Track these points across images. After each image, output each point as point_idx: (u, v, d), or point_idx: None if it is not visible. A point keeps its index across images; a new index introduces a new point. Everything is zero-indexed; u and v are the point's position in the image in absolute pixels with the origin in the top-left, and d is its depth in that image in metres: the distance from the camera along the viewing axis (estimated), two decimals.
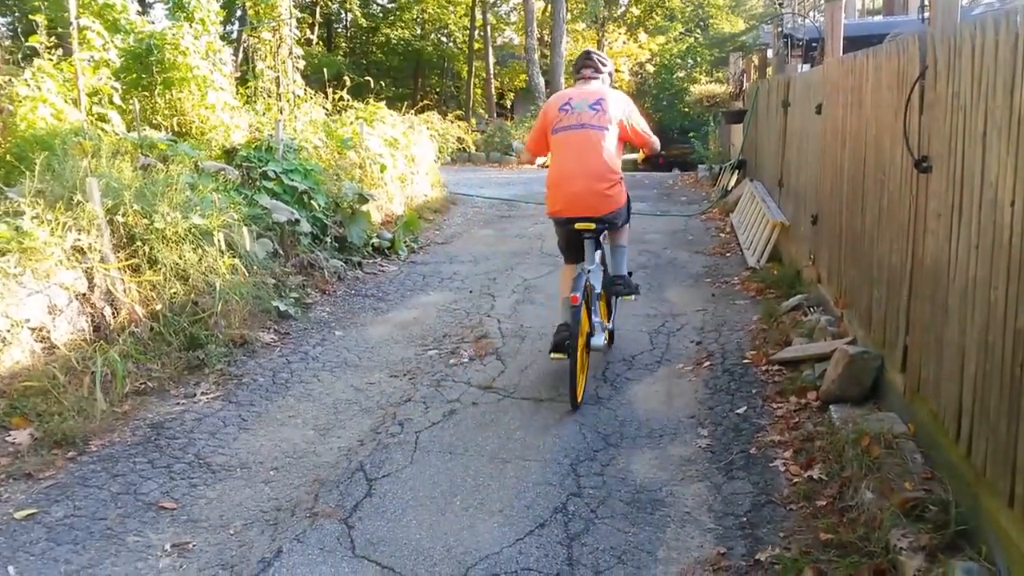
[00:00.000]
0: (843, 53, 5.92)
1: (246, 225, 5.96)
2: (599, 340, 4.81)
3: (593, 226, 4.69)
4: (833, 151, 5.22)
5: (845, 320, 4.85)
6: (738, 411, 4.39)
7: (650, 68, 30.43)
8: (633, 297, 5.41)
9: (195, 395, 4.74)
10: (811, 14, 10.69)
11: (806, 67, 9.14)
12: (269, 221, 6.50)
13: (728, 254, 8.32)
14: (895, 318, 3.76)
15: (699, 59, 31.46)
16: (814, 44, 9.41)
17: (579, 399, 4.50)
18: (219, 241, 5.54)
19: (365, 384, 4.97)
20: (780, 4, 10.60)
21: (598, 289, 4.89)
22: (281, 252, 6.62)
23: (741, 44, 23.81)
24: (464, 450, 4.01)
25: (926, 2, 4.74)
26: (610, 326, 5.02)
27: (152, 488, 3.68)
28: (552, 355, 4.69)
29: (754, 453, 3.89)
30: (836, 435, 3.71)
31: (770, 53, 10.76)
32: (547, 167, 4.97)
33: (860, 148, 4.47)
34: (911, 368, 3.51)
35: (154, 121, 8.41)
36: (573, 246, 4.87)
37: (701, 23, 33.02)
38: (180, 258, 5.32)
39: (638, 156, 5.35)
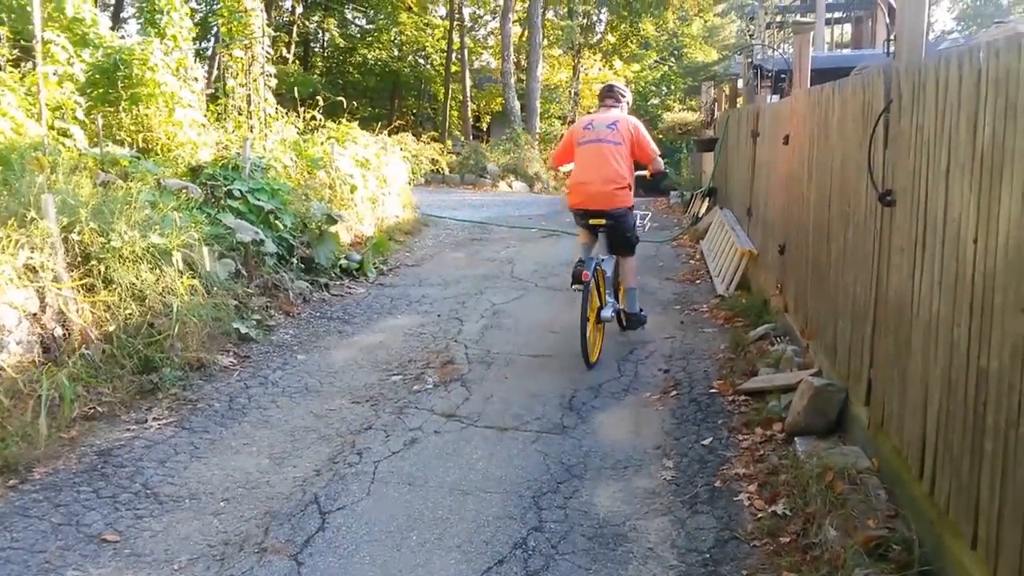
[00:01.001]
0: (811, 85, 5.95)
1: (207, 245, 5.83)
2: (607, 313, 5.76)
3: (603, 221, 5.75)
4: (800, 182, 5.23)
5: (811, 351, 4.83)
6: (704, 442, 4.34)
7: None
8: (642, 327, 6.26)
9: (146, 421, 4.59)
10: (781, 46, 10.83)
11: (775, 98, 9.25)
12: (233, 241, 6.37)
13: (698, 281, 8.31)
14: (859, 351, 3.73)
15: (673, 87, 31.89)
16: (783, 75, 9.53)
17: (593, 359, 5.55)
18: (178, 261, 5.41)
19: (325, 411, 4.85)
20: (750, 36, 10.72)
21: (609, 274, 5.88)
22: (244, 273, 6.48)
23: (713, 74, 24.12)
24: (424, 481, 3.90)
25: (892, 36, 4.78)
26: (621, 306, 6.03)
27: (95, 519, 3.52)
28: (573, 287, 5.52)
29: (719, 486, 3.83)
30: (801, 469, 3.66)
31: (741, 83, 10.86)
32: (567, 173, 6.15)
33: (826, 180, 4.47)
34: (875, 402, 3.47)
35: (118, 137, 8.25)
36: (587, 228, 5.97)
37: (675, 52, 33.47)
38: (137, 278, 5.17)
39: (646, 172, 6.17)
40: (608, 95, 6.19)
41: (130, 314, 5.07)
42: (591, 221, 5.81)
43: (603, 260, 5.85)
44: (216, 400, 4.95)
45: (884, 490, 3.22)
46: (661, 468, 4.07)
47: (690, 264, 9.23)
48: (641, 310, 6.23)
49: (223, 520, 3.54)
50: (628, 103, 6.23)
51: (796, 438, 4.02)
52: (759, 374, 5.08)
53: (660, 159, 6.13)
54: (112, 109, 8.50)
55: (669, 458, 4.18)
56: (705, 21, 33.14)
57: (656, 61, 32.03)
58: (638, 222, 6.52)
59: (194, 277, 5.57)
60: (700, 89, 22.13)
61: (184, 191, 6.41)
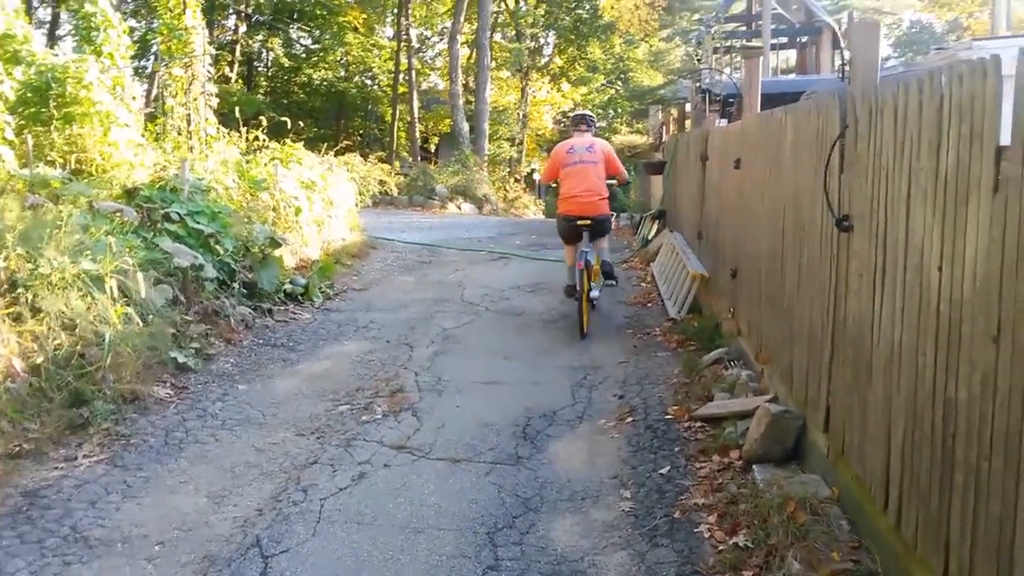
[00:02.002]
0: (760, 109, 5.98)
1: (143, 270, 5.57)
2: (595, 293, 7.22)
3: (590, 222, 7.10)
4: (752, 206, 5.22)
5: (766, 376, 4.79)
6: (661, 471, 4.24)
7: None
8: (614, 282, 7.63)
9: (76, 458, 4.31)
10: (726, 70, 10.96)
11: (723, 122, 9.33)
12: (170, 266, 6.10)
13: (649, 304, 8.28)
14: (816, 377, 3.69)
15: (619, 110, 32.24)
16: (731, 100, 9.63)
17: (585, 331, 6.90)
18: (111, 288, 5.14)
19: (268, 444, 4.63)
20: (698, 60, 10.85)
21: (592, 263, 7.14)
22: (182, 299, 6.21)
23: (659, 98, 24.46)
24: (373, 519, 3.72)
25: (842, 62, 4.82)
26: (596, 294, 7.29)
27: (19, 567, 3.27)
28: (568, 298, 7.30)
29: (678, 517, 3.73)
30: (760, 498, 3.58)
31: (688, 107, 10.95)
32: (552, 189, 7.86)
33: (779, 205, 4.45)
34: (834, 430, 3.42)
35: (50, 158, 7.90)
36: (572, 235, 7.25)
37: (621, 76, 33.89)
38: (67, 306, 4.90)
39: (614, 182, 7.58)
40: (581, 121, 7.70)
41: (59, 344, 4.79)
42: (579, 223, 7.10)
43: (587, 252, 7.09)
44: (151, 435, 4.69)
45: (846, 520, 3.16)
46: (619, 499, 3.97)
47: (641, 287, 9.21)
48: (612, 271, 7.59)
49: (158, 566, 3.32)
50: (597, 127, 7.77)
51: (754, 466, 3.96)
52: (714, 399, 5.02)
53: (625, 170, 7.81)
54: (44, 129, 8.14)
55: (626, 488, 4.08)
56: (650, 46, 33.66)
57: (603, 84, 32.36)
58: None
59: (128, 304, 5.30)
60: (647, 112, 22.39)
61: (119, 214, 6.13)
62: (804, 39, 12.86)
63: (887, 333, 2.76)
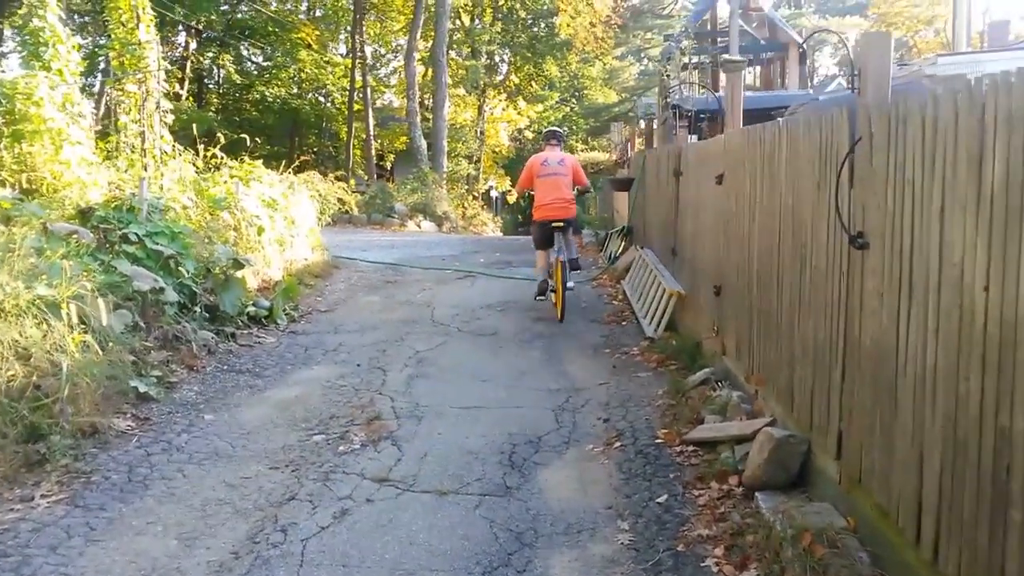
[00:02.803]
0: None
1: (102, 295, 5.23)
2: (570, 284, 8.31)
3: (562, 224, 8.27)
4: (739, 223, 5.11)
5: (760, 397, 4.66)
6: (658, 500, 4.07)
7: (529, 135, 31.02)
8: (579, 269, 8.95)
9: (33, 498, 3.97)
10: (681, 86, 10.93)
11: (693, 138, 9.29)
12: (129, 290, 5.76)
13: (624, 323, 8.14)
14: (825, 401, 3.56)
15: (575, 128, 32.41)
16: (702, 116, 9.62)
17: (561, 319, 8.00)
18: (68, 314, 4.80)
19: (240, 479, 4.33)
20: (667, 76, 10.85)
21: (564, 260, 8.17)
22: (142, 324, 5.87)
23: (615, 115, 24.58)
24: (360, 561, 3.47)
25: (851, 73, 4.75)
26: (571, 285, 8.37)
27: None
28: (537, 297, 8.48)
29: (682, 550, 3.56)
30: (770, 529, 3.43)
31: (656, 123, 10.91)
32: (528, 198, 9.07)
33: (774, 221, 4.33)
34: (849, 456, 3.28)
35: None
36: (546, 239, 8.34)
37: (576, 94, 34.13)
38: (21, 334, 4.56)
39: (576, 190, 8.70)
40: (552, 137, 8.96)
41: (13, 376, 4.44)
42: (553, 225, 8.23)
43: (559, 251, 8.17)
44: (113, 471, 4.36)
45: (866, 553, 3.01)
46: (616, 531, 3.78)
47: (614, 305, 9.08)
48: (577, 259, 8.78)
49: None
50: (565, 141, 8.86)
51: (757, 493, 3.80)
52: (705, 422, 4.87)
53: (587, 181, 9.15)
54: None
55: (624, 519, 3.89)
56: (605, 64, 33.95)
57: (558, 102, 32.50)
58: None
59: (87, 331, 4.96)
60: (603, 130, 22.45)
61: (74, 236, 5.78)
62: (768, 55, 12.99)
63: (917, 355, 2.62)
